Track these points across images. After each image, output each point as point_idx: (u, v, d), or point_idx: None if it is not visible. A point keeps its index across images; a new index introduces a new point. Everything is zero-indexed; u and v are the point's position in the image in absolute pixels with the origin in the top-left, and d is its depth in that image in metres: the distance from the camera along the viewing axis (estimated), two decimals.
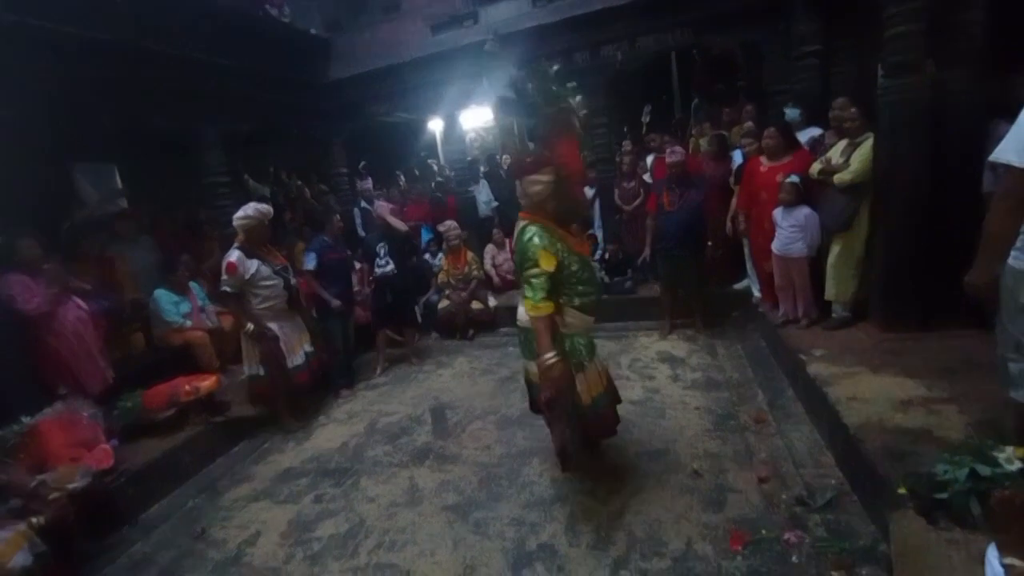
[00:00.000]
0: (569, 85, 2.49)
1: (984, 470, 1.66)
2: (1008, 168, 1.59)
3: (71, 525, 2.46)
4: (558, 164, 2.30)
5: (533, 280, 2.17)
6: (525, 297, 2.21)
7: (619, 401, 2.67)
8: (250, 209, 3.58)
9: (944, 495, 1.68)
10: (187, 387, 3.53)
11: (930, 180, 2.93)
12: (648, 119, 6.74)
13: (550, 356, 2.12)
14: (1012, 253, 1.66)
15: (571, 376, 2.31)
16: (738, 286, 4.74)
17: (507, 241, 5.99)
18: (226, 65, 4.90)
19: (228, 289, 3.44)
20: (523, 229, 2.28)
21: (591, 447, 2.78)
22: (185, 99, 4.71)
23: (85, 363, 3.51)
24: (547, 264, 2.17)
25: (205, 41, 4.70)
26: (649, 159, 5.42)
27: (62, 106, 3.97)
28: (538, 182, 2.26)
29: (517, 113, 2.50)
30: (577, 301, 2.34)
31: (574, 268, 2.30)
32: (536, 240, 2.20)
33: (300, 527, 2.66)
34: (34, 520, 2.28)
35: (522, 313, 2.34)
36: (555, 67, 2.52)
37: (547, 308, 2.17)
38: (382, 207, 4.78)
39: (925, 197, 2.95)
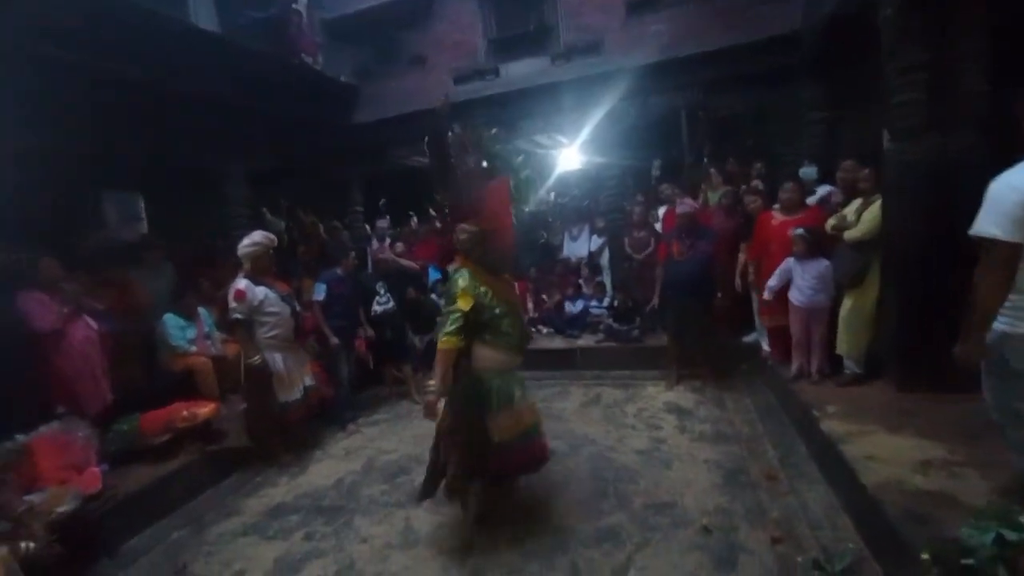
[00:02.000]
0: (507, 147, 2.83)
1: (1011, 535, 1.57)
2: (992, 241, 1.62)
3: (56, 555, 2.36)
4: (482, 218, 2.55)
5: (449, 316, 2.42)
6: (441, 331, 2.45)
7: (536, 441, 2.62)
8: (257, 236, 3.61)
9: (971, 561, 1.59)
10: (184, 413, 3.48)
11: (936, 239, 2.95)
12: (658, 173, 6.93)
13: (433, 387, 2.43)
14: (999, 319, 1.66)
15: (452, 413, 2.50)
16: (746, 339, 4.69)
17: (516, 284, 6.03)
18: (256, 108, 5.17)
19: (239, 316, 3.45)
20: (454, 271, 2.60)
21: (501, 481, 2.75)
22: (213, 137, 4.95)
23: (87, 383, 3.49)
24: (464, 304, 2.42)
25: (239, 85, 4.99)
26: (661, 210, 5.53)
27: (95, 137, 4.17)
28: (464, 231, 2.56)
29: (434, 170, 2.78)
30: (499, 341, 2.53)
31: (496, 311, 2.49)
32: (460, 282, 2.47)
33: (287, 566, 2.53)
34: (23, 545, 2.19)
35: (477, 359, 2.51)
36: (493, 131, 2.83)
37: (451, 343, 2.40)
38: (380, 250, 4.95)
39: (931, 255, 2.96)
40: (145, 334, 4.26)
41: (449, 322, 2.41)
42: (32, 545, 2.24)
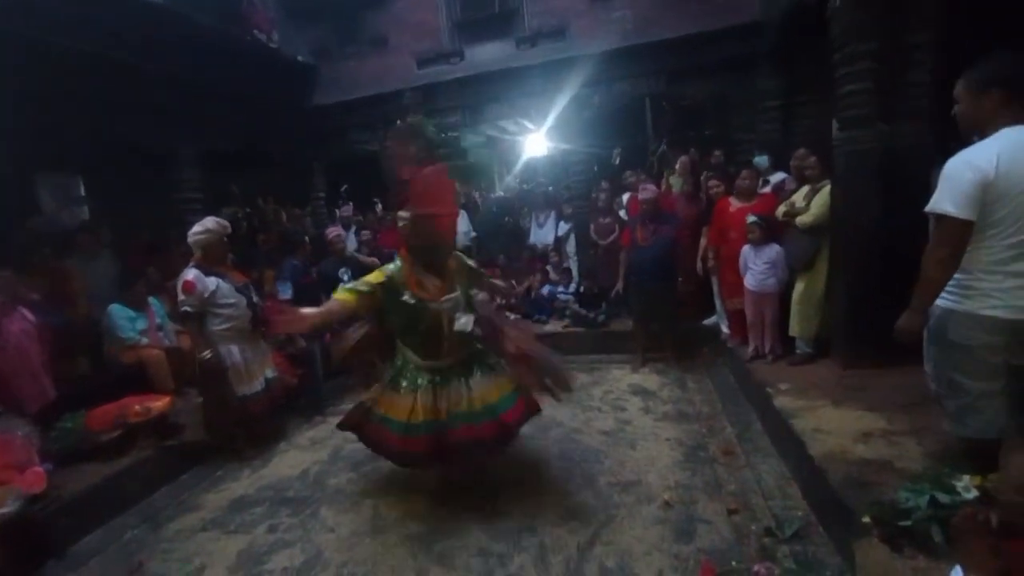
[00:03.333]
0: (451, 135, 2.76)
1: (944, 498, 1.71)
2: (943, 217, 1.68)
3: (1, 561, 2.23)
4: (416, 204, 2.55)
5: (359, 280, 2.60)
6: None
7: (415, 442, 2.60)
8: (209, 223, 3.40)
9: (907, 523, 1.72)
10: (137, 407, 3.32)
11: (882, 224, 3.12)
12: (618, 160, 7.02)
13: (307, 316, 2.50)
14: (944, 295, 1.76)
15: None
16: (707, 322, 4.86)
17: (484, 271, 6.01)
18: (208, 85, 4.91)
19: (189, 309, 3.28)
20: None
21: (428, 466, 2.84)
22: (161, 115, 4.67)
23: (25, 379, 3.28)
24: (374, 276, 2.57)
25: (188, 60, 4.72)
26: (625, 196, 5.61)
27: (28, 114, 3.87)
28: (400, 219, 2.63)
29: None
30: (403, 340, 2.69)
31: (403, 311, 2.55)
32: (387, 266, 2.63)
33: (251, 559, 2.47)
34: None
35: (463, 324, 2.56)
36: (434, 123, 2.78)
37: (340, 295, 2.52)
38: (332, 232, 4.85)
39: (878, 240, 3.13)
40: (88, 326, 4.03)
41: (355, 282, 2.58)
42: None
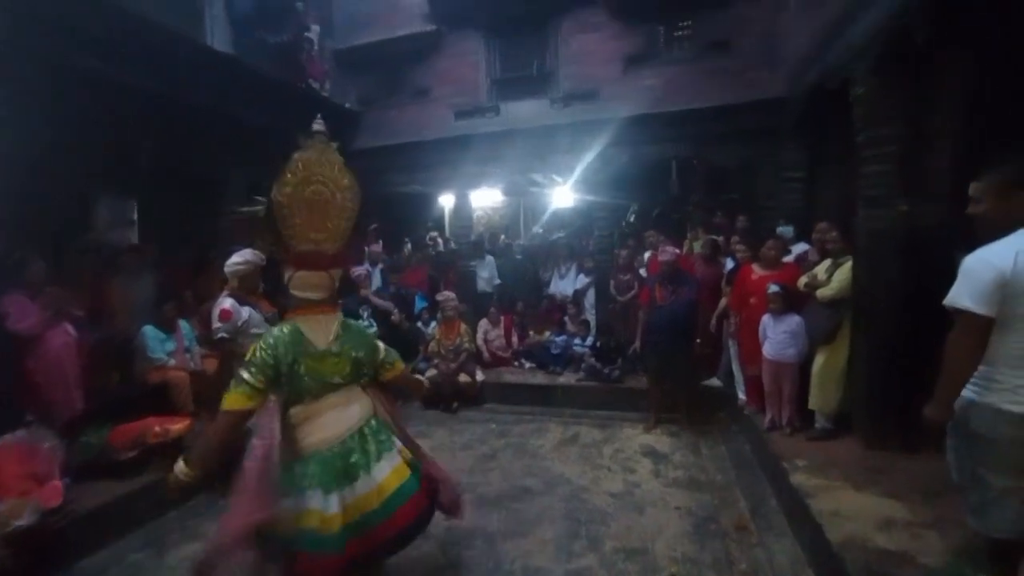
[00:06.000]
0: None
1: None
2: (964, 312, 1.69)
3: (11, 569, 2.28)
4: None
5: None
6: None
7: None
8: (248, 254, 3.53)
9: None
10: (157, 428, 3.41)
11: (905, 303, 3.10)
12: (633, 218, 7.17)
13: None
14: (968, 386, 1.74)
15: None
16: (708, 383, 4.83)
17: (502, 319, 6.10)
18: (263, 124, 5.29)
19: (225, 335, 3.37)
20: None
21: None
22: (213, 147, 5.04)
23: (59, 391, 3.42)
24: None
25: (250, 102, 5.12)
26: (646, 255, 5.69)
27: (95, 140, 4.22)
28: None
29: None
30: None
31: None
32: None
33: None
34: None
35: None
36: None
37: None
38: (358, 274, 5.00)
39: (900, 317, 3.11)
40: (122, 343, 4.21)
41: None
42: None
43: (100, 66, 3.84)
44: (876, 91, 3.18)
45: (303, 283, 1.94)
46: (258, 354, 1.80)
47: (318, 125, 2.12)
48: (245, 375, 1.78)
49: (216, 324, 3.37)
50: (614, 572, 2.52)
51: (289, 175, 1.95)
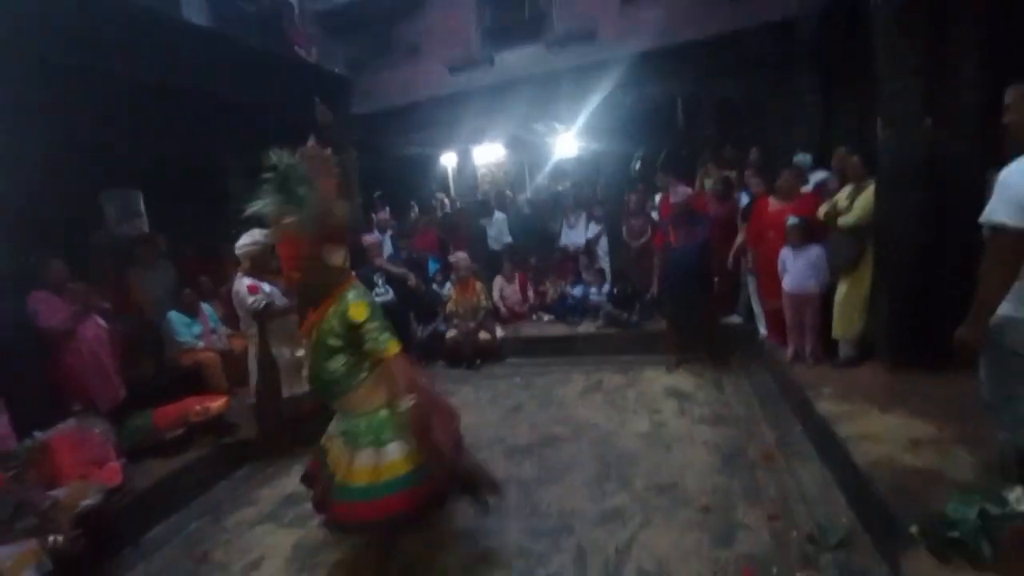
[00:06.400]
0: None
1: (994, 509, 1.67)
2: (1002, 229, 1.62)
3: (82, 548, 2.45)
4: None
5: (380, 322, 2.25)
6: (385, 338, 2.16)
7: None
8: (257, 234, 3.55)
9: (956, 534, 1.69)
10: (197, 407, 3.56)
11: (929, 226, 3.02)
12: (638, 166, 6.97)
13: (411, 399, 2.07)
14: (1004, 304, 1.70)
15: None
16: (728, 320, 4.83)
17: (516, 275, 6.10)
18: (252, 102, 5.16)
19: (263, 301, 3.45)
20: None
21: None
22: (211, 133, 4.95)
23: (99, 381, 3.57)
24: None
25: (236, 79, 4.97)
26: (657, 197, 5.58)
27: (95, 136, 4.19)
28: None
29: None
30: None
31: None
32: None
33: (306, 552, 2.63)
34: (51, 539, 2.28)
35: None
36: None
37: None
38: (370, 243, 5.01)
39: (924, 242, 3.04)
40: (151, 331, 4.33)
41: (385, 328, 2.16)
42: (59, 538, 2.33)
43: (83, 57, 3.73)
44: (897, 4, 2.96)
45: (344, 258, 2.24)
46: (374, 311, 2.15)
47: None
48: (384, 323, 2.15)
49: (250, 299, 3.43)
50: (647, 508, 2.62)
51: None
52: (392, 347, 2.11)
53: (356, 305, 2.14)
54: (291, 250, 2.19)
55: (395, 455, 2.13)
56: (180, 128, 4.70)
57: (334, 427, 2.37)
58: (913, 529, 1.80)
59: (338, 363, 2.18)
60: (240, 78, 4.99)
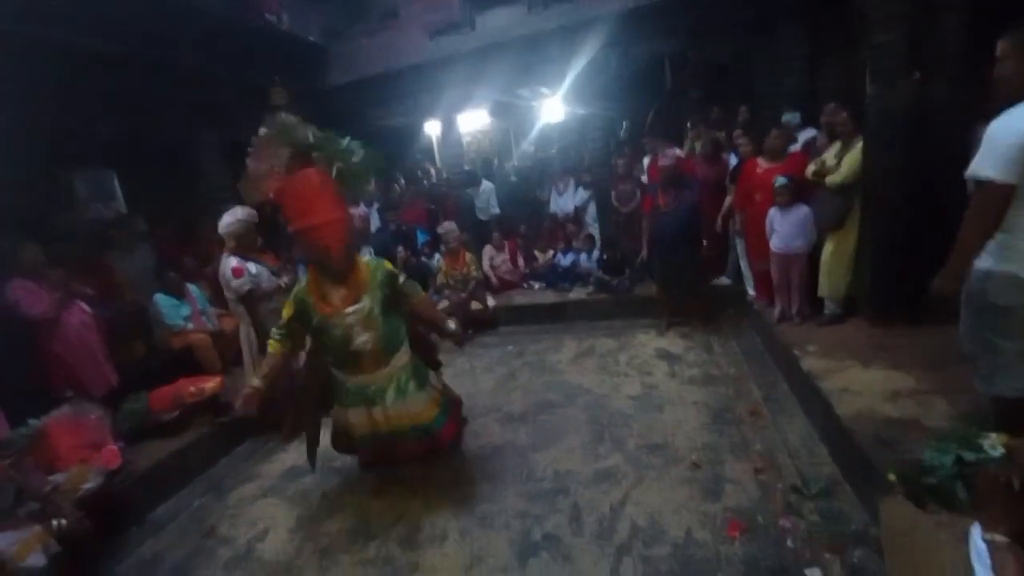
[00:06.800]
0: (326, 133, 2.54)
1: (969, 456, 1.74)
2: (987, 182, 1.63)
3: (87, 529, 2.49)
4: (290, 219, 2.40)
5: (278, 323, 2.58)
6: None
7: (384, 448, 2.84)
8: (239, 212, 3.48)
9: (932, 480, 1.76)
10: (192, 389, 3.56)
11: (915, 182, 3.03)
12: (625, 134, 6.85)
13: (251, 386, 2.52)
14: (984, 256, 1.73)
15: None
16: (717, 282, 4.89)
17: (505, 244, 6.07)
18: (223, 74, 4.96)
19: (249, 287, 3.39)
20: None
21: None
22: (182, 107, 4.77)
23: (89, 367, 3.55)
24: (286, 312, 2.54)
25: (202, 50, 4.76)
26: (645, 161, 5.52)
27: (61, 114, 4.00)
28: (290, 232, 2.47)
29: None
30: (326, 357, 2.62)
31: (315, 323, 2.49)
32: (296, 287, 2.60)
33: (309, 522, 2.71)
34: (55, 523, 2.31)
35: (360, 343, 2.51)
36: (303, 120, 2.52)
37: (273, 347, 2.55)
38: (358, 216, 4.94)
39: (911, 198, 3.05)
40: (138, 314, 4.28)
41: (276, 328, 2.56)
42: (64, 522, 2.37)
43: (47, 32, 3.54)
44: None
45: None
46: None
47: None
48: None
49: (235, 283, 3.38)
50: (639, 466, 2.71)
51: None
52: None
53: (381, 262, 2.64)
54: (319, 195, 2.37)
55: (434, 391, 2.83)
56: (149, 103, 4.51)
57: (353, 396, 2.65)
58: (891, 476, 1.87)
59: (395, 322, 2.58)
60: (209, 48, 4.78)
